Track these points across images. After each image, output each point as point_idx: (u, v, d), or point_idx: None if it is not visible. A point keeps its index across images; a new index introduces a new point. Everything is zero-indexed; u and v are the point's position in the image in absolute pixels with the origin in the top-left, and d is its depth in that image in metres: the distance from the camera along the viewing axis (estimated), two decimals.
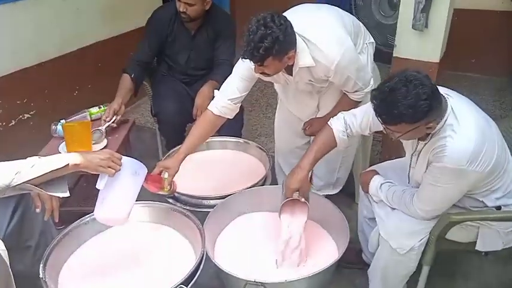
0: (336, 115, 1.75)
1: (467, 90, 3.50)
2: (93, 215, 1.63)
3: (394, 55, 2.25)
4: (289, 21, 1.60)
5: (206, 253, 1.52)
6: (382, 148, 2.64)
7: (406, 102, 1.28)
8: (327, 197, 2.24)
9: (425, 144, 1.47)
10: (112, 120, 2.22)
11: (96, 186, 1.44)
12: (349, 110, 1.76)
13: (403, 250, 1.56)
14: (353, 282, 1.95)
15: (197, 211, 1.82)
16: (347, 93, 1.89)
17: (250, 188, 1.91)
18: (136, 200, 1.52)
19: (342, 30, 1.77)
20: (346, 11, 2.01)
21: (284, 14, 1.70)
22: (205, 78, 2.43)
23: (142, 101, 3.62)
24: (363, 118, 1.66)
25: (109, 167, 1.41)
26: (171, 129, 2.52)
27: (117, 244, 1.71)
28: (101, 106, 2.37)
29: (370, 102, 1.40)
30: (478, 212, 1.54)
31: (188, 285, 1.39)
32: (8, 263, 1.36)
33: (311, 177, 2.28)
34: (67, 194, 1.35)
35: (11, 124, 2.65)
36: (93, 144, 2.07)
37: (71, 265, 1.61)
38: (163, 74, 2.59)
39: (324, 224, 1.85)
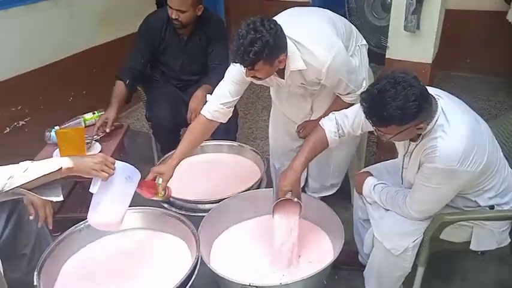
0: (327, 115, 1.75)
1: (462, 90, 3.51)
2: (87, 221, 1.63)
3: (386, 57, 2.25)
4: (279, 25, 1.60)
5: (201, 257, 1.53)
6: (377, 149, 2.64)
7: (395, 104, 1.28)
8: (323, 198, 2.26)
9: (417, 145, 1.48)
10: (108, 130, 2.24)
11: (89, 190, 1.44)
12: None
13: (398, 251, 1.57)
14: (349, 283, 1.95)
15: (192, 215, 1.82)
16: (340, 95, 1.90)
17: (245, 191, 1.91)
18: (130, 206, 1.52)
19: (332, 33, 1.78)
20: (341, 13, 2.02)
21: (275, 17, 1.70)
22: (199, 83, 2.43)
23: (137, 106, 3.63)
24: (354, 118, 1.66)
25: (102, 171, 1.41)
26: (165, 134, 2.52)
27: (112, 250, 1.71)
28: (95, 112, 2.37)
29: None
30: (471, 212, 1.54)
31: None
32: (2, 271, 1.36)
33: (306, 179, 2.33)
34: (61, 198, 1.35)
35: (5, 131, 2.65)
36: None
37: (66, 272, 1.61)
38: (156, 79, 2.59)
39: (319, 225, 1.86)
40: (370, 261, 1.72)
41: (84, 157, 1.48)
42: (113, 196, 1.45)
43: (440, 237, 1.57)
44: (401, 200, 1.57)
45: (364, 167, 1.94)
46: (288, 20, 1.74)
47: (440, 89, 1.53)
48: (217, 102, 1.83)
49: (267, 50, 1.53)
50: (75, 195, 2.43)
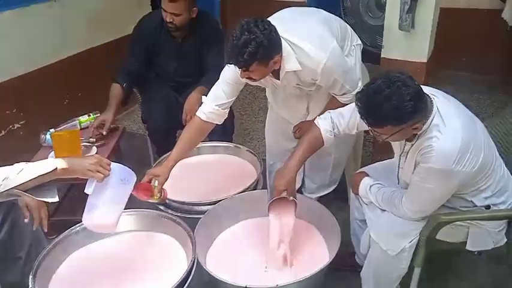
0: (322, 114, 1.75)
1: (458, 89, 3.50)
2: (82, 224, 1.63)
3: (382, 56, 2.26)
4: (274, 26, 1.60)
5: (197, 259, 1.52)
6: (373, 149, 2.64)
7: (390, 104, 1.28)
8: (321, 198, 2.26)
9: (412, 145, 1.48)
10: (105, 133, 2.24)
11: (84, 191, 1.43)
12: None
13: (394, 251, 1.57)
14: (347, 284, 1.94)
15: (188, 217, 1.81)
16: (335, 96, 1.89)
17: (241, 192, 1.91)
18: (126, 208, 1.52)
19: (327, 33, 1.77)
20: (336, 13, 2.02)
21: (269, 18, 1.70)
22: (195, 85, 2.42)
23: (134, 108, 3.62)
24: (350, 117, 1.65)
25: (97, 172, 1.40)
26: (161, 136, 2.51)
27: (108, 253, 1.70)
28: (91, 114, 2.37)
29: None
30: (467, 212, 1.54)
31: None
32: None
33: (303, 180, 2.32)
34: (56, 199, 1.35)
35: (0, 134, 2.64)
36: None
37: (62, 275, 1.60)
38: (152, 81, 2.58)
39: (316, 226, 1.85)
40: (366, 262, 1.71)
41: (79, 158, 1.48)
42: (108, 198, 1.44)
43: (437, 238, 1.57)
44: (397, 200, 1.57)
45: (361, 167, 1.93)
46: (282, 20, 1.73)
47: (436, 88, 1.53)
48: (213, 103, 1.83)
49: (262, 51, 1.53)
50: (71, 198, 2.42)
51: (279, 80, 1.80)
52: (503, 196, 1.55)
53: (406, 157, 1.54)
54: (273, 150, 2.34)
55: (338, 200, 2.33)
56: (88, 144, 2.20)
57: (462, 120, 1.41)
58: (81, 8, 3.08)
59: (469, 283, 1.98)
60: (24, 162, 1.31)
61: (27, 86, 2.74)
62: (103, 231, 1.61)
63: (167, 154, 2.07)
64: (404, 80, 1.31)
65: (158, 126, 2.46)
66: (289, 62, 1.70)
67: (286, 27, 1.68)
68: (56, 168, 1.32)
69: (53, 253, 1.59)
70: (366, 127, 1.54)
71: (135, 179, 1.54)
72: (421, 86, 1.38)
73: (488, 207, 1.53)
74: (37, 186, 1.31)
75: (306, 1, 4.15)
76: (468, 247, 1.58)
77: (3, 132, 2.66)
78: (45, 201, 1.35)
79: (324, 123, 1.69)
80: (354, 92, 1.84)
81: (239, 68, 1.60)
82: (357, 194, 1.77)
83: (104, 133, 2.24)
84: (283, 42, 1.66)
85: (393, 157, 1.71)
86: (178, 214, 1.81)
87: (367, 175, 1.77)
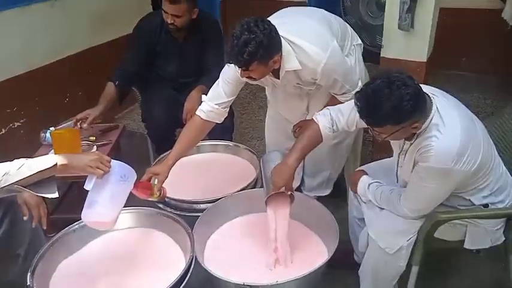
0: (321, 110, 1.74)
1: (458, 88, 3.50)
2: (81, 222, 1.64)
3: (381, 55, 2.26)
4: (274, 26, 1.60)
5: (196, 257, 1.53)
6: (372, 148, 2.64)
7: (390, 104, 1.28)
8: (319, 198, 2.26)
9: (411, 144, 1.48)
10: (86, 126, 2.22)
11: (84, 187, 1.44)
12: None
13: (392, 250, 1.57)
14: (345, 282, 1.94)
15: (187, 215, 1.82)
16: (335, 95, 1.89)
17: (240, 191, 1.92)
18: (125, 206, 1.52)
19: (327, 33, 1.78)
20: (337, 12, 2.02)
21: (269, 18, 1.71)
22: (195, 84, 2.42)
23: (134, 107, 3.62)
24: (349, 115, 1.65)
25: (97, 168, 1.41)
26: (160, 135, 2.52)
27: (107, 250, 1.71)
28: None
29: None
30: (465, 210, 1.54)
31: None
32: None
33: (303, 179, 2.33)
34: (56, 195, 1.35)
35: (1, 133, 2.64)
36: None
37: (60, 273, 1.61)
38: (152, 80, 2.58)
39: (314, 225, 1.86)
40: (365, 260, 1.72)
41: (79, 154, 1.49)
42: (107, 195, 1.45)
43: (435, 236, 1.57)
44: (395, 198, 1.57)
45: (360, 166, 1.94)
46: (282, 20, 1.74)
47: (436, 87, 1.53)
48: (212, 102, 1.83)
49: (261, 50, 1.53)
50: (71, 195, 2.43)
51: (278, 79, 1.80)
52: (502, 195, 1.55)
53: (405, 156, 1.54)
54: (273, 149, 2.33)
55: (337, 199, 2.33)
56: (88, 142, 2.20)
57: (461, 120, 1.41)
58: (82, 7, 3.08)
59: (467, 281, 1.98)
60: (24, 158, 1.31)
61: (27, 84, 2.74)
62: (102, 228, 1.62)
63: (167, 153, 2.08)
64: (404, 79, 1.31)
65: (158, 125, 2.47)
66: (289, 62, 1.70)
67: (286, 27, 1.68)
68: (56, 164, 1.33)
69: (52, 250, 1.60)
70: (365, 125, 1.55)
71: (136, 176, 1.55)
72: (421, 85, 1.38)
73: (486, 205, 1.53)
74: (37, 182, 1.31)
75: (306, 1, 4.16)
76: (466, 245, 1.58)
77: (3, 131, 2.66)
78: (44, 197, 1.35)
79: (323, 120, 1.68)
80: (354, 92, 1.84)
81: (239, 68, 1.61)
82: (355, 192, 1.77)
83: (85, 126, 2.21)
84: (283, 42, 1.66)
85: (392, 156, 1.72)
86: (177, 212, 1.83)
87: (366, 174, 1.77)
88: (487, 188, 1.52)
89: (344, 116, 1.66)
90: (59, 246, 1.64)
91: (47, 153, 2.07)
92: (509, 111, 1.87)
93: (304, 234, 1.84)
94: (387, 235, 1.58)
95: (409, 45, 2.16)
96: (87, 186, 1.43)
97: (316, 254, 1.69)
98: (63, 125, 2.28)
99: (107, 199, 1.45)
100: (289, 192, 1.63)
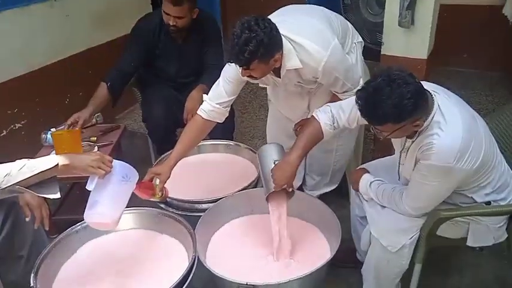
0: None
1: (459, 85, 3.52)
2: (83, 223, 1.64)
3: (382, 53, 2.26)
4: (274, 24, 1.59)
5: (198, 257, 1.53)
6: (374, 146, 2.64)
7: (391, 102, 1.28)
8: (322, 195, 2.26)
9: (413, 141, 1.47)
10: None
11: (86, 187, 1.44)
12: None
13: (394, 248, 1.57)
14: (347, 281, 1.95)
15: (189, 215, 1.82)
16: (337, 93, 1.89)
17: (242, 190, 1.91)
18: (127, 206, 1.52)
19: (328, 31, 1.77)
20: (337, 10, 2.01)
21: (270, 16, 1.70)
22: (195, 84, 2.42)
23: (134, 107, 3.63)
24: (350, 112, 1.64)
25: (99, 168, 1.41)
26: (161, 135, 2.52)
27: (109, 251, 1.71)
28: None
29: None
30: (468, 208, 1.54)
31: None
32: None
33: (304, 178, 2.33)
34: (58, 196, 1.34)
35: (2, 134, 2.64)
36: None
37: (63, 273, 1.61)
38: (152, 80, 2.58)
39: (317, 224, 1.86)
40: (367, 259, 1.72)
41: (81, 154, 1.49)
42: (110, 195, 1.45)
43: (437, 234, 1.57)
44: (397, 196, 1.57)
45: (361, 164, 1.93)
46: (283, 18, 1.73)
47: (437, 84, 1.53)
48: (214, 102, 1.83)
49: (262, 49, 1.53)
50: (72, 197, 2.44)
51: (279, 78, 1.80)
52: (504, 193, 1.55)
53: (406, 154, 1.54)
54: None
55: (338, 197, 2.34)
56: (89, 143, 2.20)
57: (463, 117, 1.41)
58: (82, 7, 3.08)
59: (469, 279, 1.98)
60: (26, 159, 1.31)
61: (28, 85, 2.74)
62: (104, 228, 1.62)
63: (168, 153, 2.08)
64: (405, 77, 1.30)
65: (158, 125, 2.46)
66: (290, 60, 1.69)
67: (287, 25, 1.67)
68: (58, 164, 1.32)
69: (55, 251, 1.60)
70: (366, 122, 1.54)
71: (138, 176, 1.55)
72: (422, 82, 1.38)
73: (488, 203, 1.53)
74: (38, 183, 1.31)
75: None
76: (469, 243, 1.58)
77: (4, 132, 2.66)
78: (46, 198, 1.35)
79: (324, 117, 1.67)
80: (355, 90, 1.84)
81: (240, 66, 1.60)
82: (357, 190, 1.77)
83: (75, 126, 2.19)
84: (284, 40, 1.65)
85: (393, 154, 1.71)
86: (179, 212, 1.82)
87: (368, 172, 1.76)
88: (489, 185, 1.51)
89: (345, 112, 1.66)
90: (61, 247, 1.64)
91: (48, 154, 2.07)
92: (511, 107, 1.87)
93: (308, 231, 1.84)
94: (389, 233, 1.58)
95: (409, 42, 2.16)
96: (89, 186, 1.43)
97: (319, 253, 1.69)
98: (64, 126, 2.27)
99: (109, 199, 1.44)
100: (290, 189, 1.63)
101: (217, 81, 1.85)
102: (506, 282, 1.97)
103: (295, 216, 1.87)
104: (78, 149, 2.03)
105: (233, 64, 1.62)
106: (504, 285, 1.96)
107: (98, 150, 2.15)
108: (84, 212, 1.45)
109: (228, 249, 1.77)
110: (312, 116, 1.72)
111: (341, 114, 1.66)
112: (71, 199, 2.41)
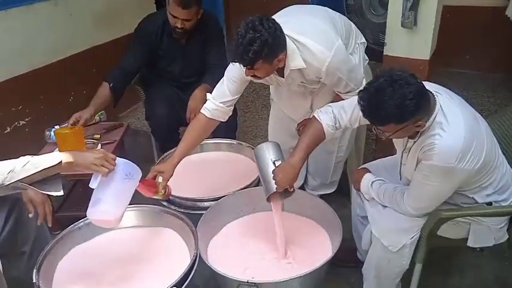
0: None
1: (462, 86, 3.52)
2: (86, 219, 1.65)
3: (384, 53, 2.26)
4: (278, 24, 1.60)
5: (200, 254, 1.54)
6: (376, 146, 2.65)
7: (393, 103, 1.28)
8: (323, 196, 2.26)
9: (415, 142, 1.48)
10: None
11: (89, 185, 1.45)
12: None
13: (395, 248, 1.57)
14: (348, 280, 1.96)
15: (192, 213, 1.83)
16: (340, 93, 1.89)
17: (244, 189, 1.92)
18: (129, 204, 1.53)
19: (332, 31, 1.77)
20: (340, 11, 2.01)
21: (273, 16, 1.70)
22: (198, 83, 2.42)
23: (138, 106, 3.64)
24: (352, 112, 1.64)
25: (102, 166, 1.41)
26: (164, 133, 2.52)
27: (111, 248, 1.72)
28: None
29: None
30: (469, 208, 1.54)
31: (181, 287, 1.40)
32: (1, 269, 1.37)
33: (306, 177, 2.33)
34: (61, 193, 1.35)
35: (6, 131, 2.66)
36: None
37: (65, 270, 1.62)
38: (155, 79, 2.59)
39: (318, 223, 1.87)
40: (368, 258, 1.72)
41: (84, 152, 1.49)
42: (113, 193, 1.45)
43: (438, 234, 1.57)
44: (399, 196, 1.58)
45: (363, 164, 1.94)
46: (287, 18, 1.73)
47: (439, 85, 1.53)
48: (217, 101, 1.84)
49: (266, 49, 1.53)
50: (76, 193, 2.45)
51: (283, 77, 1.80)
52: (505, 194, 1.55)
53: (408, 154, 1.54)
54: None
55: (340, 197, 2.34)
56: (93, 141, 2.21)
57: (465, 118, 1.41)
58: (85, 6, 3.09)
59: (470, 280, 1.98)
60: (30, 156, 1.32)
61: (32, 83, 2.75)
62: (107, 225, 1.62)
63: (171, 151, 2.09)
64: (407, 78, 1.31)
65: (161, 123, 2.47)
66: (294, 60, 1.70)
67: (291, 25, 1.68)
68: (61, 161, 1.33)
69: (57, 248, 1.62)
70: (368, 122, 1.54)
71: (141, 174, 1.55)
72: (425, 82, 1.38)
73: (490, 204, 1.53)
74: (42, 180, 1.31)
75: None
76: (469, 244, 1.58)
77: (8, 129, 2.67)
78: (49, 195, 1.35)
79: (326, 118, 1.68)
80: (358, 90, 1.84)
81: (244, 66, 1.61)
82: (358, 190, 1.78)
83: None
84: (288, 40, 1.66)
85: (395, 154, 1.72)
86: (181, 210, 1.83)
87: (369, 171, 1.77)
88: (490, 186, 1.52)
89: (347, 113, 1.66)
90: (64, 244, 1.65)
91: (52, 152, 2.07)
92: None
93: (309, 230, 1.85)
94: (390, 233, 1.58)
95: (412, 43, 2.16)
96: (93, 184, 1.44)
97: (319, 252, 1.69)
98: (67, 124, 2.28)
99: (112, 197, 1.45)
100: (292, 189, 1.64)
101: (221, 80, 1.86)
102: (507, 283, 1.97)
103: (297, 215, 1.88)
104: (81, 146, 2.04)
105: (237, 63, 1.63)
106: (505, 286, 1.96)
107: (101, 148, 2.15)
108: (87, 209, 1.46)
109: (230, 247, 1.78)
110: (314, 116, 1.72)
111: (343, 114, 1.67)
112: (74, 196, 2.42)
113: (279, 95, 2.17)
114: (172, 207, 1.86)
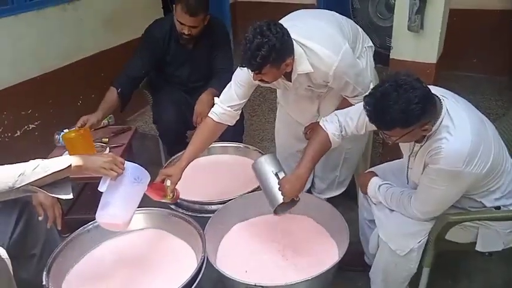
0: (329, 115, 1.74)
1: (469, 90, 3.50)
2: (95, 222, 1.66)
3: (391, 57, 2.25)
4: (286, 29, 1.61)
5: (207, 258, 1.54)
6: (383, 150, 2.64)
7: (398, 107, 1.29)
8: (331, 199, 2.26)
9: (421, 146, 1.48)
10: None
11: (98, 189, 1.46)
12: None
13: (403, 252, 1.57)
14: (355, 284, 1.95)
15: (199, 216, 1.84)
16: (347, 97, 1.89)
17: (251, 192, 1.93)
18: (138, 207, 1.54)
19: (339, 35, 1.78)
20: (346, 14, 2.02)
21: (281, 21, 1.71)
22: (205, 87, 2.44)
23: (145, 109, 3.67)
24: (358, 119, 1.65)
25: (111, 170, 1.42)
26: (171, 137, 2.54)
27: (120, 251, 1.73)
28: None
29: None
30: (476, 212, 1.54)
31: None
32: (11, 271, 1.38)
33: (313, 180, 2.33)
34: (70, 196, 1.36)
35: (16, 134, 2.69)
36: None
37: (75, 272, 1.64)
38: (163, 83, 2.61)
39: (325, 227, 1.86)
40: (375, 262, 1.72)
41: (94, 155, 1.50)
42: (121, 196, 1.47)
43: (446, 238, 1.57)
44: (406, 200, 1.58)
45: (370, 168, 1.94)
46: (294, 23, 1.74)
47: (446, 88, 1.53)
48: (225, 104, 1.85)
49: (274, 54, 1.54)
50: (84, 197, 2.47)
51: (290, 82, 1.81)
52: None
53: (415, 158, 1.55)
54: (283, 152, 2.35)
55: (347, 200, 2.34)
56: (102, 144, 2.23)
57: (472, 121, 1.41)
58: (95, 11, 3.13)
59: (478, 284, 1.97)
60: (40, 159, 1.33)
61: (42, 87, 2.79)
62: (115, 229, 1.64)
63: (178, 154, 2.10)
64: (412, 82, 1.31)
65: (169, 127, 2.48)
66: (301, 65, 1.71)
67: (298, 30, 1.69)
68: (71, 165, 1.34)
69: (66, 250, 1.63)
70: (374, 127, 1.55)
71: (149, 178, 1.56)
72: (431, 86, 1.39)
73: (498, 208, 1.52)
74: (52, 183, 1.32)
75: (316, 3, 4.17)
76: (478, 248, 1.57)
77: (18, 133, 2.71)
78: (59, 198, 1.37)
79: (331, 127, 1.68)
80: (366, 94, 1.84)
81: (252, 71, 1.62)
82: (365, 193, 1.77)
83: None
84: (295, 45, 1.66)
85: (402, 157, 1.72)
86: (189, 213, 1.84)
87: (376, 175, 1.77)
88: (498, 190, 1.51)
89: (353, 120, 1.67)
90: (73, 246, 1.66)
91: (61, 155, 2.10)
92: None
93: (316, 234, 1.85)
94: (398, 237, 1.58)
95: (418, 46, 2.15)
96: (101, 187, 1.45)
97: (327, 255, 1.69)
98: (75, 127, 2.31)
99: (120, 201, 1.46)
100: (297, 198, 1.66)
101: (229, 84, 1.87)
102: None
103: (304, 219, 1.89)
104: (90, 147, 2.05)
105: (245, 68, 1.64)
106: None
107: (110, 151, 2.17)
108: (95, 212, 1.47)
109: (237, 250, 1.79)
110: (319, 126, 1.73)
111: (349, 121, 1.67)
112: (83, 199, 2.44)
113: (286, 99, 2.17)
114: (180, 210, 1.87)
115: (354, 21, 2.04)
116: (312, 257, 1.72)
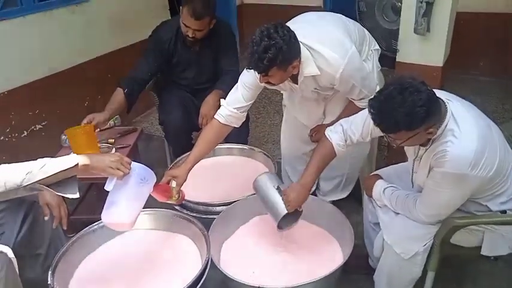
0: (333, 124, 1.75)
1: (475, 92, 3.48)
2: (101, 222, 1.67)
3: (397, 60, 2.25)
4: (293, 31, 1.61)
5: (212, 259, 1.55)
6: (388, 153, 2.64)
7: (403, 110, 1.29)
8: (336, 202, 2.26)
9: (426, 149, 1.47)
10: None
11: (104, 188, 1.46)
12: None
13: (407, 255, 1.56)
14: (359, 287, 1.94)
15: (204, 218, 1.84)
16: (353, 100, 1.89)
17: (255, 194, 1.93)
18: (143, 208, 1.55)
19: (346, 38, 1.78)
20: (352, 17, 2.02)
21: (288, 23, 1.71)
22: (211, 89, 2.44)
23: (151, 110, 3.69)
24: (363, 126, 1.65)
25: (118, 169, 1.43)
26: (177, 138, 2.54)
27: (125, 251, 1.74)
28: None
29: None
30: (482, 216, 1.53)
31: None
32: (17, 270, 1.39)
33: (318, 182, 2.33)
34: (77, 196, 1.36)
35: (23, 135, 2.72)
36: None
37: (80, 272, 1.64)
38: (169, 84, 2.62)
39: (329, 229, 1.86)
40: (380, 265, 1.71)
41: (100, 155, 1.51)
42: (127, 196, 1.47)
43: (451, 242, 1.56)
44: (411, 203, 1.57)
45: (375, 170, 1.94)
46: (301, 25, 1.75)
47: (453, 92, 1.53)
48: (231, 106, 1.85)
49: (281, 56, 1.54)
50: (90, 197, 2.48)
51: (297, 84, 1.81)
52: None
53: (420, 162, 1.54)
54: (288, 154, 2.36)
55: (352, 203, 2.34)
56: (108, 145, 2.24)
57: (477, 125, 1.41)
58: (102, 13, 3.15)
59: None
60: (48, 158, 1.34)
61: (49, 88, 2.81)
62: (121, 229, 1.64)
63: (184, 155, 2.10)
64: (417, 85, 1.31)
65: (174, 128, 2.49)
66: (308, 67, 1.71)
67: (305, 32, 1.69)
68: (78, 164, 1.35)
69: (72, 250, 1.64)
70: (380, 134, 1.55)
71: (155, 179, 1.57)
72: (435, 90, 1.38)
73: (504, 212, 1.51)
74: (58, 182, 1.33)
75: (323, 6, 4.17)
76: (483, 252, 1.56)
77: (25, 133, 2.73)
78: (65, 197, 1.37)
79: (336, 138, 1.69)
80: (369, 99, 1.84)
81: (258, 73, 1.62)
82: (370, 196, 1.77)
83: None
84: (302, 47, 1.67)
85: (407, 161, 1.71)
86: (194, 214, 1.84)
87: (381, 178, 1.77)
88: (504, 194, 1.50)
89: (358, 128, 1.67)
90: (78, 246, 1.67)
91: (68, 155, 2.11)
92: None
93: (321, 237, 1.85)
94: (402, 240, 1.58)
95: (425, 49, 2.15)
96: (108, 187, 1.46)
97: (331, 258, 1.69)
98: None
99: (126, 201, 1.47)
100: (301, 209, 1.67)
101: (235, 86, 1.88)
102: None
103: (308, 221, 1.89)
104: (93, 144, 2.05)
105: (251, 70, 1.64)
106: None
107: (116, 152, 2.18)
108: (101, 212, 1.48)
109: (241, 251, 1.79)
110: (324, 135, 1.73)
111: (354, 129, 1.68)
112: (89, 199, 2.45)
113: (292, 101, 2.17)
114: (185, 211, 1.87)
115: (361, 24, 2.04)
116: (316, 259, 1.72)
